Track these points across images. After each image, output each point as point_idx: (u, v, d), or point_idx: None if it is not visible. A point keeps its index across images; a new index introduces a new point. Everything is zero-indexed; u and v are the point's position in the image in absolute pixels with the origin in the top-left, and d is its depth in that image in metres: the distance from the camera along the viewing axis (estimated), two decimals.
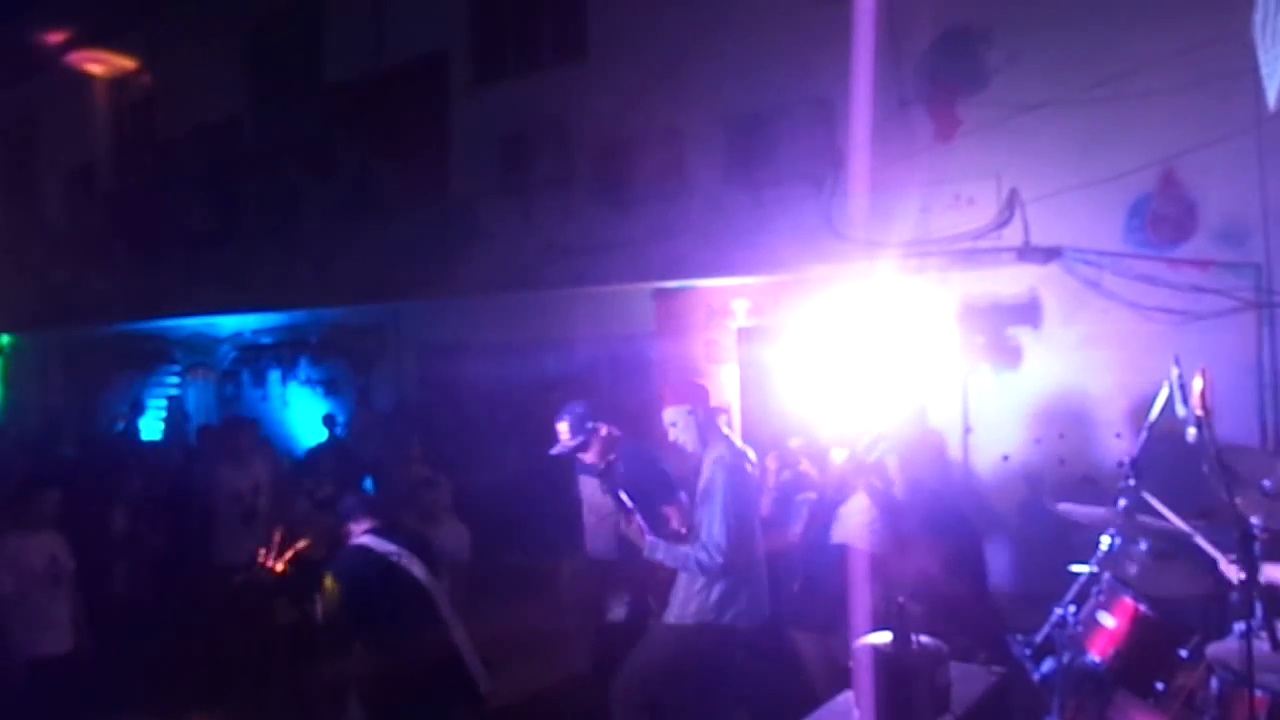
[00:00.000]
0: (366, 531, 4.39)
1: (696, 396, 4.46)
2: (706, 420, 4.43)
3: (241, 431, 7.74)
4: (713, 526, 4.20)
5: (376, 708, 4.32)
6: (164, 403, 13.47)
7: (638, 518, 4.41)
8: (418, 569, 4.34)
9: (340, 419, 10.34)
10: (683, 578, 4.38)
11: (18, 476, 6.59)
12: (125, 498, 7.21)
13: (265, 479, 7.29)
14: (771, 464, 6.06)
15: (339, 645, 4.24)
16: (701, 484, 4.32)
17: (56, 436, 11.84)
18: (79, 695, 5.15)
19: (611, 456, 4.74)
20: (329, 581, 4.17)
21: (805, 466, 5.94)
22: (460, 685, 4.27)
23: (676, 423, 4.43)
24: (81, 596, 5.50)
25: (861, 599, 4.42)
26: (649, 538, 4.35)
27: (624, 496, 4.43)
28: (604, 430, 5.24)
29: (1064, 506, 4.16)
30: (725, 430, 4.48)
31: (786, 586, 6.38)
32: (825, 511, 5.32)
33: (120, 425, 12.63)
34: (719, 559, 4.16)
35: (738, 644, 4.40)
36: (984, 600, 5.83)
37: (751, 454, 4.55)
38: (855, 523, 5.16)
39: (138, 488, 7.36)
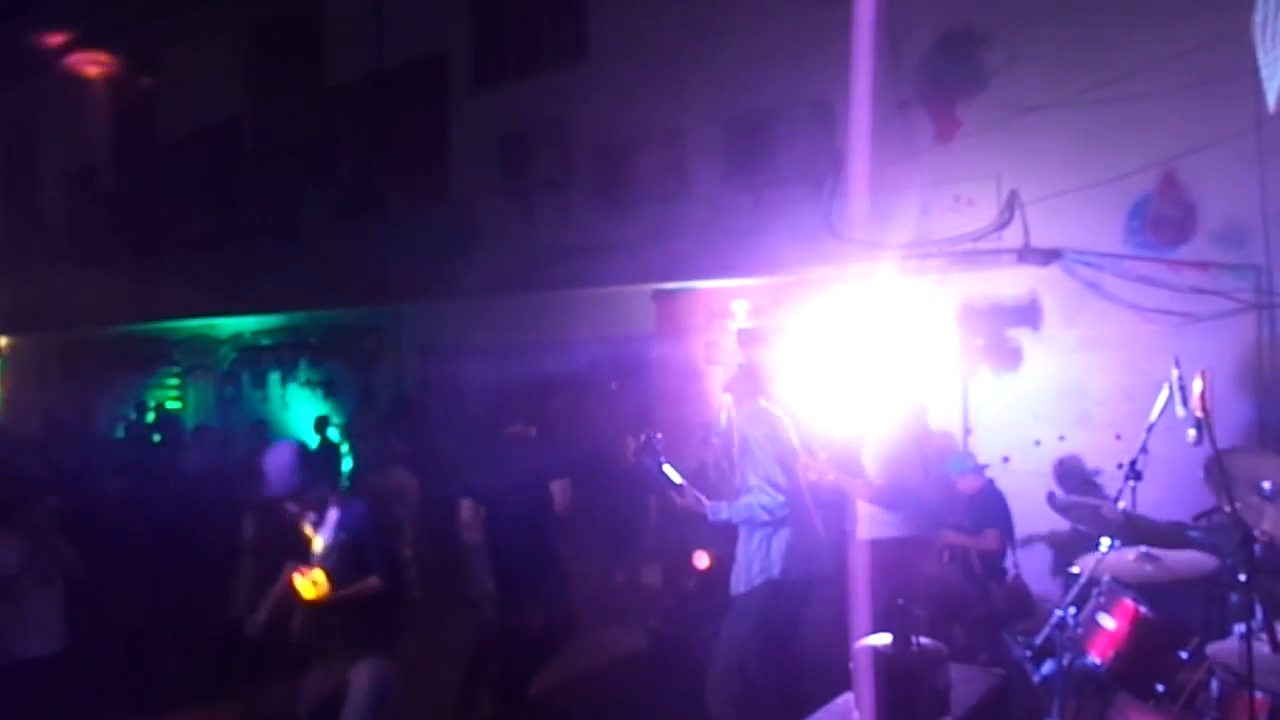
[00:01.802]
0: None
1: (750, 349, 4.76)
2: (751, 375, 4.54)
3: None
4: (761, 471, 4.28)
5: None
6: (152, 407, 13.45)
7: (689, 488, 4.48)
8: None
9: (334, 422, 10.34)
10: (741, 546, 4.41)
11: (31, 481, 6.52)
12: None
13: None
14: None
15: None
16: (738, 442, 4.42)
17: (59, 439, 11.80)
18: (68, 696, 5.16)
19: (645, 436, 4.73)
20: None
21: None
22: None
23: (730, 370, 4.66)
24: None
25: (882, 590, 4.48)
26: (709, 502, 4.41)
27: (670, 470, 4.49)
28: None
29: (1063, 501, 4.15)
30: (764, 401, 4.53)
31: None
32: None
33: (122, 430, 12.61)
34: (780, 497, 4.22)
35: (808, 598, 4.41)
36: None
37: (788, 420, 4.59)
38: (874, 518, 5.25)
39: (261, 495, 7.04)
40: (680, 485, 4.49)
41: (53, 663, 5.18)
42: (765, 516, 4.30)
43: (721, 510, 4.40)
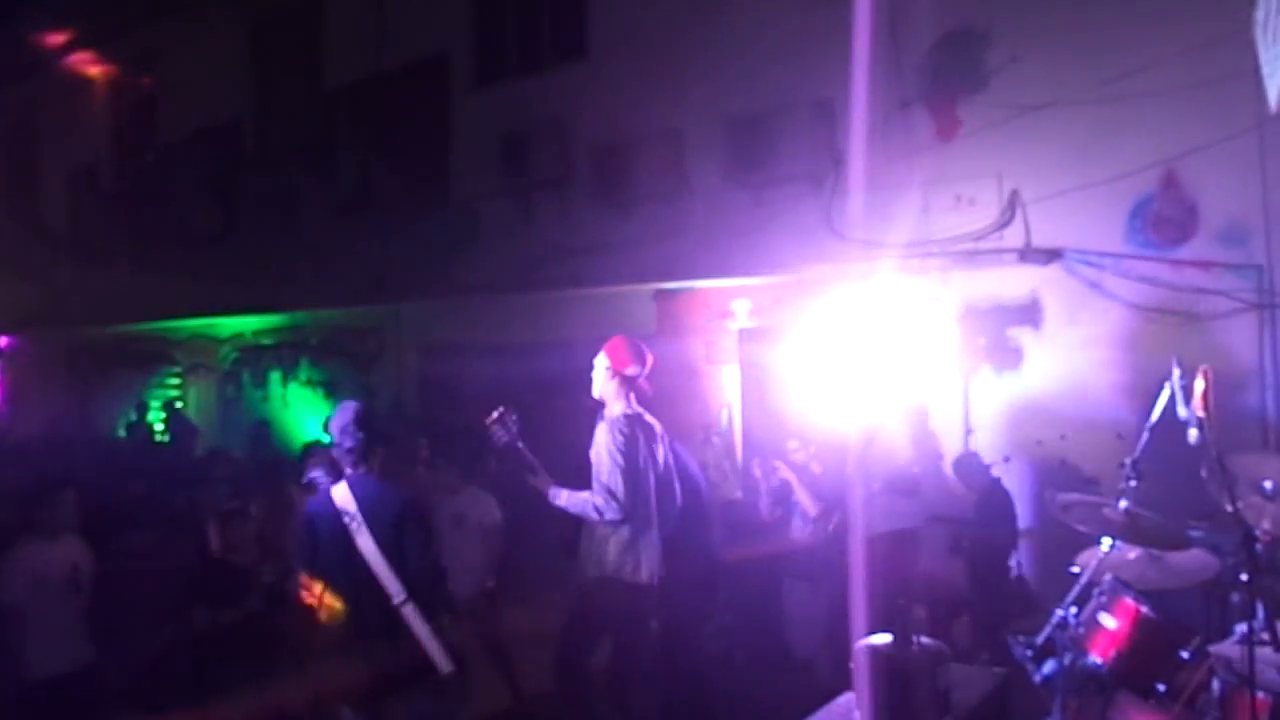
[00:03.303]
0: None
1: (618, 356, 4.74)
2: (618, 382, 4.71)
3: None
4: (604, 476, 4.50)
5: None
6: (160, 406, 13.46)
7: (540, 468, 4.70)
8: (365, 540, 4.21)
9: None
10: (584, 536, 4.66)
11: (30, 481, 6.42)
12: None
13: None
14: (757, 471, 6.19)
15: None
16: (594, 443, 4.63)
17: (61, 440, 11.81)
18: (96, 706, 5.07)
19: (498, 413, 4.86)
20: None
21: (784, 473, 6.15)
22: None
23: (595, 372, 4.78)
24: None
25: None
26: (552, 486, 4.63)
27: (522, 447, 4.71)
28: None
29: (1065, 500, 4.13)
30: (624, 400, 4.73)
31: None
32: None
33: (124, 430, 12.62)
34: (614, 504, 4.46)
35: (641, 599, 4.62)
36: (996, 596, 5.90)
37: (657, 426, 4.81)
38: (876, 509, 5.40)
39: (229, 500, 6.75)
40: (532, 464, 4.68)
41: (81, 678, 4.99)
42: (596, 516, 4.52)
43: (561, 496, 4.61)
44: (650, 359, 4.77)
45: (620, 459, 4.49)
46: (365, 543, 4.13)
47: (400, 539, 4.21)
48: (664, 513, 4.75)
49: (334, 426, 4.44)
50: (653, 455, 4.72)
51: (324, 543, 4.17)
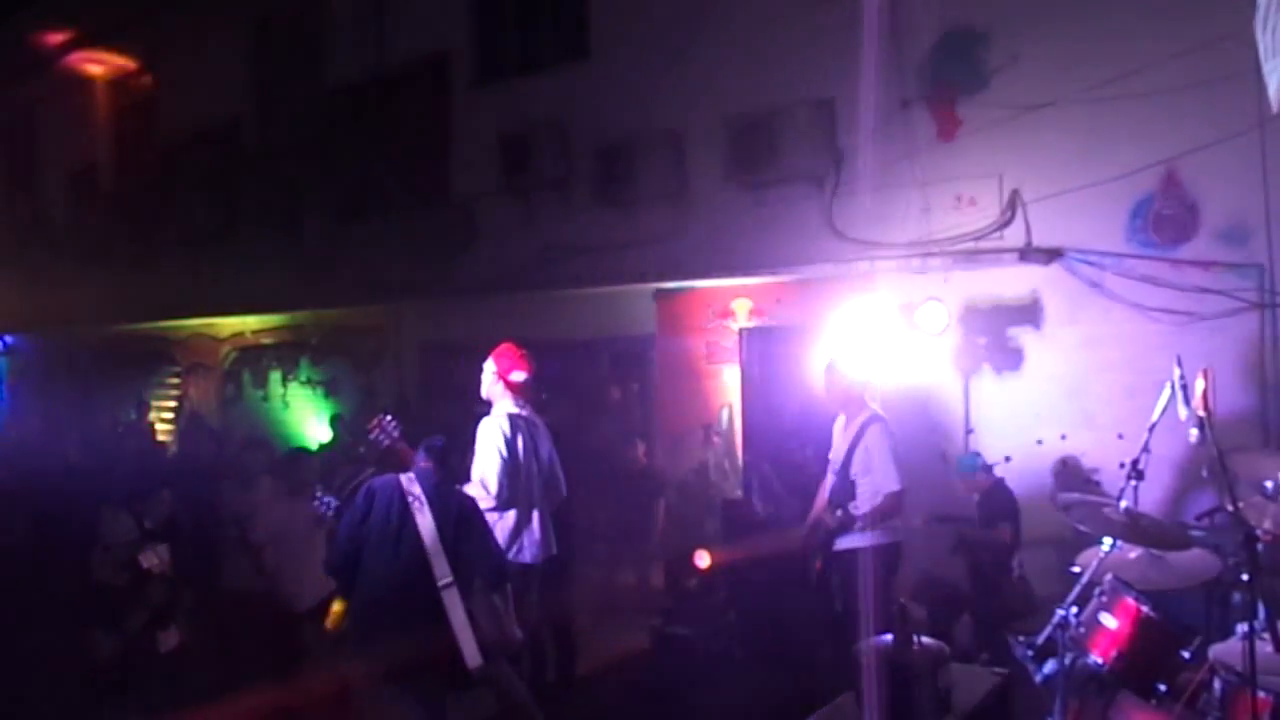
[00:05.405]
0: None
1: (504, 364, 5.30)
2: (503, 385, 5.27)
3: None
4: (480, 469, 5.02)
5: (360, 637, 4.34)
6: (174, 404, 13.47)
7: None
8: (425, 518, 4.25)
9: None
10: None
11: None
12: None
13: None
14: None
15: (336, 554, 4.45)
16: (477, 439, 5.12)
17: (60, 440, 11.78)
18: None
19: (377, 420, 5.34)
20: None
21: None
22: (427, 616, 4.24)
23: (484, 376, 5.33)
24: None
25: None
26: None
27: (404, 449, 5.10)
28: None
29: (1065, 500, 4.13)
30: (508, 401, 5.25)
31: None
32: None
33: (121, 429, 12.60)
34: (488, 495, 4.95)
35: (524, 579, 5.04)
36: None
37: (537, 425, 5.31)
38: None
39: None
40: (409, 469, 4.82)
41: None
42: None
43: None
44: (532, 366, 5.33)
45: (499, 454, 5.00)
46: (425, 521, 4.22)
47: (457, 529, 4.29)
48: (550, 499, 5.34)
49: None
50: (535, 450, 5.24)
51: (377, 515, 4.27)
